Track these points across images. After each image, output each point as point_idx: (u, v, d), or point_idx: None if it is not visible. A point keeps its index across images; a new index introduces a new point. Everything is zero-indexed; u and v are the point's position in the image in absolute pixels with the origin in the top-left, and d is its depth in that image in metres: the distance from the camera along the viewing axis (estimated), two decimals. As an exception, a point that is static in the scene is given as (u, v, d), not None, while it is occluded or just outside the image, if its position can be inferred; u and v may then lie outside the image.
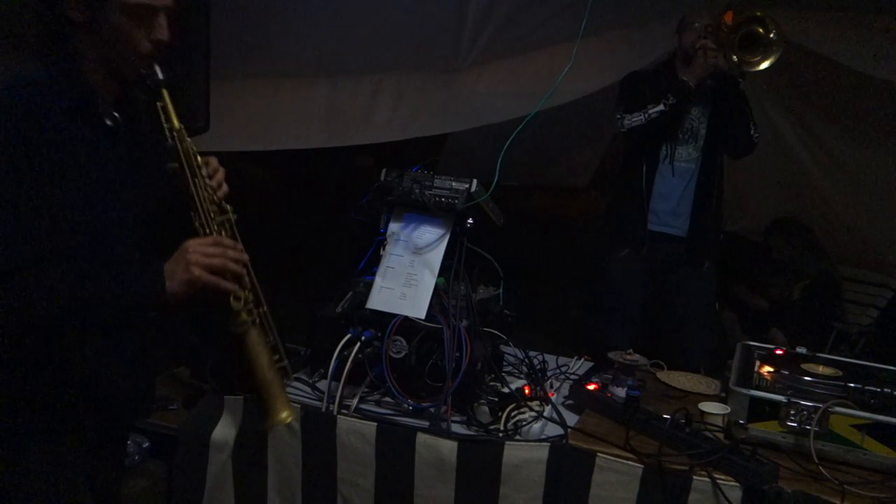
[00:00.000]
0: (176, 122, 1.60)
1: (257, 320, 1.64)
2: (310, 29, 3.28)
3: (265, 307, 1.67)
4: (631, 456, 1.88)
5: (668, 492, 1.82)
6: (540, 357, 2.45)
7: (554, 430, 2.00)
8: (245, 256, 1.63)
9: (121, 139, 1.61)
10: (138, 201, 1.65)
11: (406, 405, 2.04)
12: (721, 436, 1.98)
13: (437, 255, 2.15)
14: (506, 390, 2.10)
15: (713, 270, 3.36)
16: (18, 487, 1.55)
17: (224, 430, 2.11)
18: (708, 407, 2.07)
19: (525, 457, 1.92)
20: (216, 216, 1.63)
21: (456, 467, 1.95)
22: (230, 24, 2.86)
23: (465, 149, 4.64)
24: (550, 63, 3.49)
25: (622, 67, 3.50)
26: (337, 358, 2.05)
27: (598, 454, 1.90)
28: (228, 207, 1.67)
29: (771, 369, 2.20)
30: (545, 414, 2.05)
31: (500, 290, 2.37)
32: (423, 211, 2.18)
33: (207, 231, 1.61)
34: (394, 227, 2.22)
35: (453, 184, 2.14)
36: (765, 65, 2.96)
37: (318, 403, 2.07)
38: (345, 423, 2.02)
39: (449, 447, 1.95)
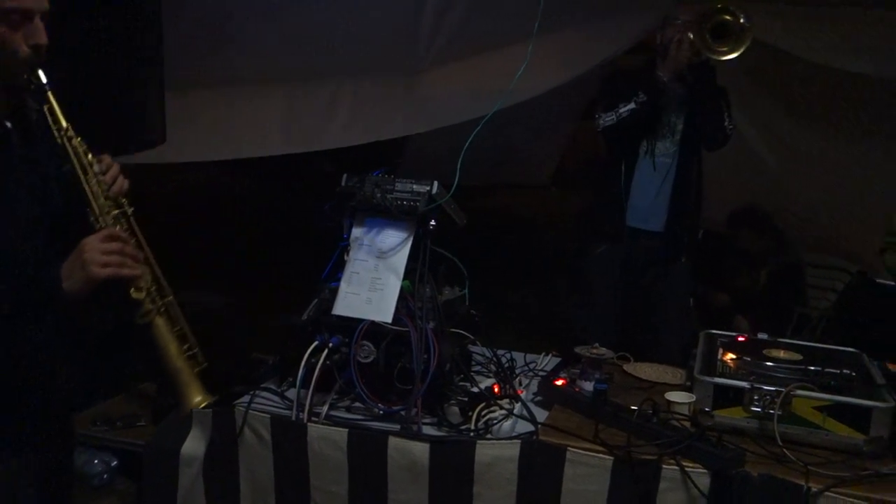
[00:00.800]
0: (63, 122, 1.63)
1: (162, 309, 1.67)
2: (264, 36, 3.27)
3: (170, 297, 1.70)
4: (601, 449, 1.90)
5: (639, 482, 1.85)
6: (508, 355, 2.46)
7: (524, 426, 2.02)
8: (140, 253, 1.65)
9: (14, 145, 1.61)
10: (35, 205, 1.66)
11: (376, 410, 2.04)
12: (688, 424, 2.01)
13: (401, 259, 2.15)
14: (475, 390, 2.11)
15: (688, 266, 3.41)
16: None
17: (193, 444, 2.09)
18: (674, 396, 2.10)
19: (497, 455, 1.93)
20: (111, 210, 1.66)
21: (429, 469, 1.95)
22: (183, 35, 2.83)
23: (427, 151, 4.64)
24: (507, 62, 3.49)
25: (578, 64, 3.54)
26: (305, 366, 2.03)
27: (569, 448, 1.91)
28: (124, 201, 1.71)
29: (734, 356, 2.24)
30: (515, 411, 2.07)
31: (466, 290, 2.38)
32: (385, 215, 2.18)
33: (102, 225, 1.65)
34: (357, 232, 2.22)
35: (414, 186, 2.14)
36: (735, 54, 2.99)
37: (287, 412, 2.06)
38: (315, 430, 2.02)
39: (421, 449, 1.95)
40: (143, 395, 2.38)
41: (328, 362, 2.04)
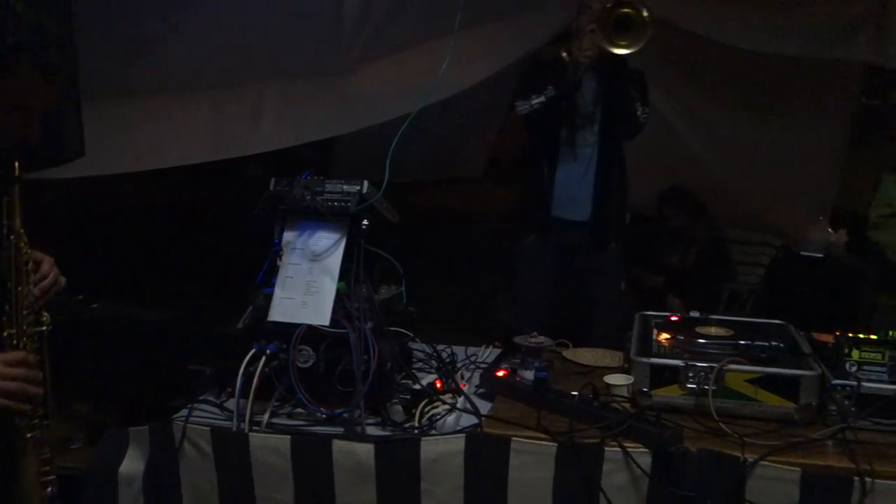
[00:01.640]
0: (17, 222, 1.56)
1: (37, 434, 1.61)
2: (184, 42, 3.19)
3: (48, 420, 1.64)
4: (544, 436, 1.92)
5: (583, 465, 1.88)
6: (448, 350, 2.47)
7: (468, 420, 2.03)
8: (40, 375, 1.59)
9: None
10: None
11: (319, 414, 2.03)
12: (628, 405, 2.05)
13: (335, 260, 2.13)
14: (417, 387, 2.11)
15: (618, 252, 3.47)
16: None
17: (132, 463, 2.04)
18: (612, 379, 2.14)
19: (442, 450, 1.94)
20: (30, 327, 1.59)
21: (375, 470, 1.94)
22: (99, 43, 2.75)
23: (357, 150, 4.61)
24: (432, 57, 3.50)
25: (503, 56, 3.56)
26: (243, 375, 2.00)
27: (513, 438, 1.93)
28: (45, 318, 1.63)
29: (668, 336, 2.29)
30: (458, 405, 2.07)
31: (403, 288, 2.38)
32: (316, 217, 2.16)
33: (16, 343, 1.57)
34: (288, 235, 2.19)
35: (344, 187, 2.13)
36: (632, 49, 3.04)
37: (228, 423, 2.03)
38: (257, 439, 1.99)
39: (366, 450, 1.94)
40: (76, 416, 2.30)
41: (267, 370, 2.01)
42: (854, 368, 2.01)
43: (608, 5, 3.02)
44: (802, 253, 5.09)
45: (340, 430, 1.99)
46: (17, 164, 1.55)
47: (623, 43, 3.02)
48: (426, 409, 2.04)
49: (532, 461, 1.92)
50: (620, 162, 3.40)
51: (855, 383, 1.96)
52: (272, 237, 2.21)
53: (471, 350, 2.57)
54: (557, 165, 3.30)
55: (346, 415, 1.99)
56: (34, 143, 1.57)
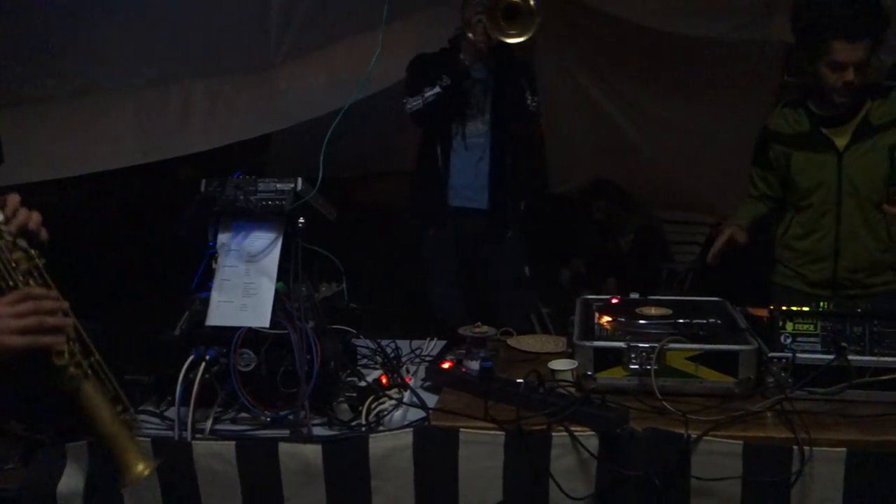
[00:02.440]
0: None
1: (89, 372, 1.52)
2: (105, 41, 3.10)
3: (97, 355, 1.55)
4: (492, 425, 1.92)
5: (532, 452, 1.88)
6: (393, 344, 2.46)
7: (416, 413, 2.01)
8: (64, 304, 1.50)
9: None
10: None
11: (263, 417, 1.99)
12: (573, 390, 2.07)
13: (272, 260, 2.09)
14: (363, 384, 2.09)
15: (518, 238, 3.50)
16: None
17: (71, 481, 1.95)
18: (557, 364, 2.16)
19: (390, 446, 1.93)
20: (20, 265, 1.49)
21: (323, 470, 1.92)
22: (18, 47, 2.65)
23: (292, 147, 4.55)
24: (362, 51, 3.48)
25: (434, 47, 3.54)
26: (182, 382, 1.95)
27: (461, 429, 1.93)
28: (34, 253, 1.53)
29: (609, 318, 2.32)
30: (405, 400, 2.06)
31: (343, 285, 2.35)
32: (251, 217, 2.12)
33: (12, 284, 1.47)
34: (223, 237, 2.14)
35: (278, 185, 2.09)
36: (523, 37, 3.06)
37: (169, 433, 1.97)
38: (201, 447, 1.94)
39: (313, 451, 1.92)
40: (8, 436, 2.21)
41: (207, 376, 1.96)
42: (789, 341, 2.07)
43: None
44: (735, 229, 5.20)
45: (286, 432, 1.96)
46: None
47: (513, 32, 3.04)
48: (373, 406, 2.02)
49: (481, 451, 1.92)
50: (513, 151, 3.44)
51: (790, 355, 2.02)
52: (206, 240, 2.16)
53: (415, 344, 2.55)
54: (451, 156, 3.33)
55: (291, 416, 1.96)
56: None
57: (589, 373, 2.07)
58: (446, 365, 2.23)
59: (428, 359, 2.39)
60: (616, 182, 4.95)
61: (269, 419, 1.98)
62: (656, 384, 1.98)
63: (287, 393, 1.97)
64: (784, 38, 4.03)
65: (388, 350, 2.38)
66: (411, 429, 1.94)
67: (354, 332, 2.31)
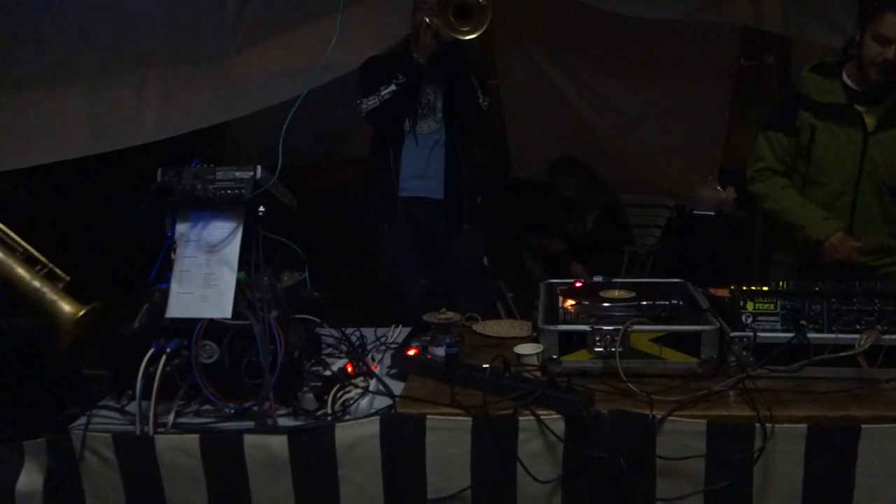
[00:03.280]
0: None
1: None
2: (56, 28, 3.01)
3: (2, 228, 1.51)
4: (458, 411, 1.92)
5: (499, 437, 1.89)
6: (357, 333, 2.44)
7: (382, 401, 2.01)
8: None
9: None
10: None
11: (227, 409, 1.96)
12: (538, 374, 2.07)
13: (232, 250, 2.05)
14: (328, 373, 2.07)
15: (476, 231, 3.53)
16: None
17: (29, 479, 1.92)
18: (522, 349, 2.16)
19: (357, 434, 1.92)
20: None
21: (290, 461, 1.90)
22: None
23: (250, 135, 4.49)
24: (319, 37, 3.42)
25: (393, 33, 3.51)
26: (143, 376, 1.91)
27: (428, 416, 1.92)
28: None
29: (573, 302, 2.33)
30: (371, 388, 2.05)
31: (306, 274, 2.33)
32: (210, 207, 2.08)
33: None
34: (181, 228, 2.10)
35: (237, 173, 2.04)
36: (476, 34, 3.06)
37: (131, 427, 1.93)
38: (163, 441, 1.91)
39: (279, 442, 1.90)
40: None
41: (168, 369, 1.92)
42: (750, 320, 2.09)
43: None
44: (695, 212, 5.29)
45: (251, 424, 1.93)
46: None
47: (466, 29, 3.04)
48: (338, 395, 2.00)
49: (448, 437, 1.92)
50: (466, 148, 3.46)
51: (751, 334, 2.05)
52: (164, 231, 2.12)
53: (381, 331, 2.54)
54: (402, 151, 3.34)
55: (255, 408, 1.93)
56: None
57: (554, 356, 2.08)
58: (412, 352, 2.22)
59: (393, 346, 2.38)
60: (583, 160, 4.97)
61: (233, 411, 1.96)
62: (621, 366, 2.00)
63: (251, 384, 1.94)
64: (742, 21, 4.08)
65: (353, 338, 2.37)
66: (378, 417, 1.94)
67: (318, 320, 2.29)
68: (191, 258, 2.06)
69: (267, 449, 1.90)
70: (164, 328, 2.00)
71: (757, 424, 1.83)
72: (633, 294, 2.32)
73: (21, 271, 1.46)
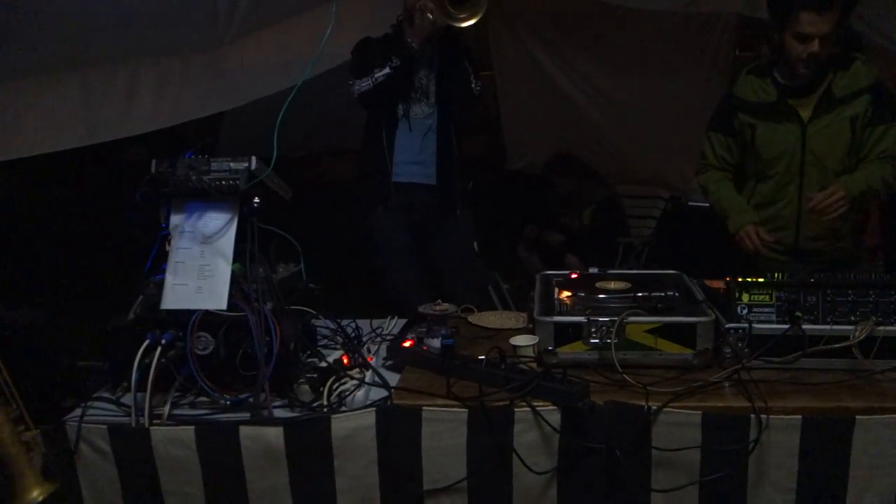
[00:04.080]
0: None
1: None
2: (49, 20, 2.99)
3: (4, 373, 1.51)
4: (454, 403, 1.92)
5: (494, 428, 1.89)
6: (353, 324, 2.44)
7: (378, 393, 2.01)
8: None
9: None
10: None
11: (223, 401, 1.96)
12: (534, 365, 2.08)
13: (227, 241, 2.05)
14: (324, 364, 2.07)
15: (468, 216, 3.54)
16: None
17: (24, 471, 1.92)
18: (518, 340, 2.16)
19: (353, 426, 1.92)
20: None
21: (286, 452, 1.90)
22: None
23: (245, 125, 4.46)
24: (314, 27, 3.41)
25: (386, 23, 3.49)
26: (138, 368, 1.91)
27: (424, 408, 1.92)
28: None
29: (569, 293, 2.33)
30: (367, 379, 2.05)
31: (301, 265, 2.32)
32: (204, 198, 2.07)
33: None
34: (176, 219, 2.09)
35: (232, 164, 2.04)
36: (473, 20, 3.06)
37: (126, 419, 1.94)
38: (159, 433, 1.91)
39: (275, 434, 1.90)
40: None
41: (163, 360, 1.92)
42: (745, 311, 2.10)
43: None
44: (690, 203, 5.29)
45: (247, 415, 1.93)
46: None
47: (462, 16, 3.04)
48: (334, 387, 2.00)
49: (444, 429, 1.92)
50: (458, 132, 3.47)
51: (747, 325, 2.05)
52: (158, 222, 2.11)
53: (376, 322, 2.55)
54: (395, 136, 3.34)
55: (251, 399, 1.93)
56: None
57: (550, 348, 2.08)
58: (407, 343, 2.22)
59: (389, 338, 2.38)
60: (579, 157, 4.97)
61: (228, 402, 1.96)
62: (616, 357, 2.00)
63: (246, 375, 1.95)
64: (738, 11, 4.06)
65: (349, 330, 2.37)
66: (374, 408, 1.94)
67: (314, 312, 2.29)
68: (185, 249, 2.06)
69: (263, 440, 1.90)
70: (159, 320, 2.00)
71: (752, 415, 1.83)
72: (629, 285, 2.32)
73: (5, 432, 1.47)
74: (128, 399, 1.97)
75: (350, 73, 3.27)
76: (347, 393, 1.98)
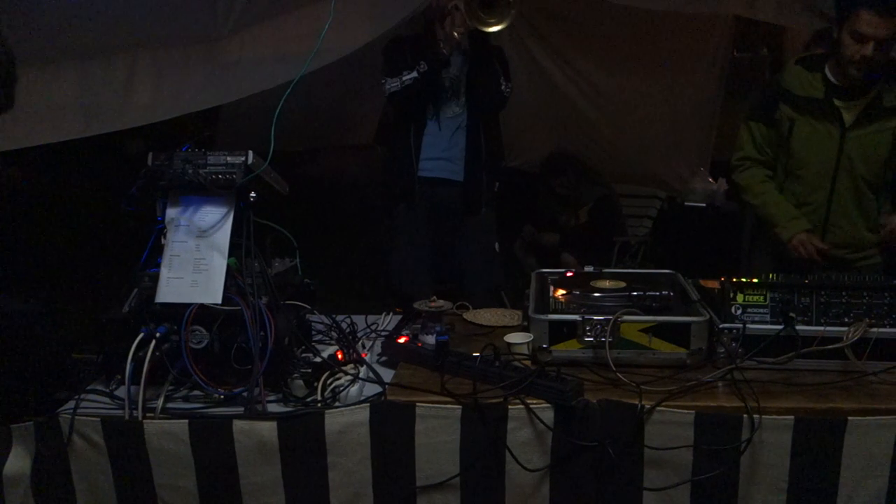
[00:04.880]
0: None
1: None
2: (45, 10, 2.98)
3: None
4: (448, 399, 1.93)
5: (488, 425, 1.89)
6: (348, 320, 2.44)
7: (372, 389, 2.01)
8: None
9: None
10: None
11: (216, 395, 1.96)
12: (528, 363, 2.08)
13: (223, 235, 2.05)
14: (318, 359, 2.07)
15: (491, 215, 3.55)
16: None
17: (17, 462, 1.91)
18: (512, 338, 2.16)
19: (347, 422, 1.92)
20: None
21: (279, 447, 1.90)
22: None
23: (242, 119, 4.45)
24: (313, 21, 3.40)
25: (385, 20, 3.48)
26: (132, 361, 1.91)
27: (418, 404, 1.93)
28: None
29: (564, 292, 2.33)
30: (361, 375, 2.05)
31: (297, 260, 2.32)
32: (200, 191, 2.06)
33: None
34: (172, 212, 2.09)
35: (228, 158, 2.03)
36: (502, 25, 3.08)
37: (119, 412, 1.93)
38: (152, 426, 1.91)
39: (268, 428, 1.90)
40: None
41: (157, 353, 1.92)
42: (739, 311, 2.10)
43: None
44: (686, 203, 5.30)
45: (240, 409, 1.93)
46: None
47: (492, 21, 3.06)
48: (328, 382, 2.00)
49: (437, 425, 1.92)
50: (486, 132, 3.48)
51: (740, 326, 2.06)
52: (154, 215, 2.11)
53: (371, 318, 2.55)
54: (423, 134, 3.36)
55: (245, 394, 1.93)
56: None
57: (544, 346, 2.08)
58: (402, 340, 2.22)
59: (384, 334, 2.38)
60: (577, 156, 4.98)
61: (222, 397, 1.96)
62: (610, 356, 2.00)
63: (241, 370, 1.94)
64: (736, 11, 4.06)
65: (344, 325, 2.37)
66: (367, 404, 1.94)
67: (309, 307, 2.29)
68: (181, 243, 2.06)
69: (256, 435, 1.90)
70: (153, 313, 1.99)
71: (745, 415, 1.84)
72: (624, 284, 2.32)
73: None
74: (121, 392, 1.96)
75: (381, 71, 3.30)
76: (341, 388, 1.98)
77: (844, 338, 1.99)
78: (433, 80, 3.29)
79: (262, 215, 2.09)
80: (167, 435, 1.91)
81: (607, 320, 2.04)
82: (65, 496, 1.95)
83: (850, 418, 1.83)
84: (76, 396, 1.98)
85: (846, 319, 2.06)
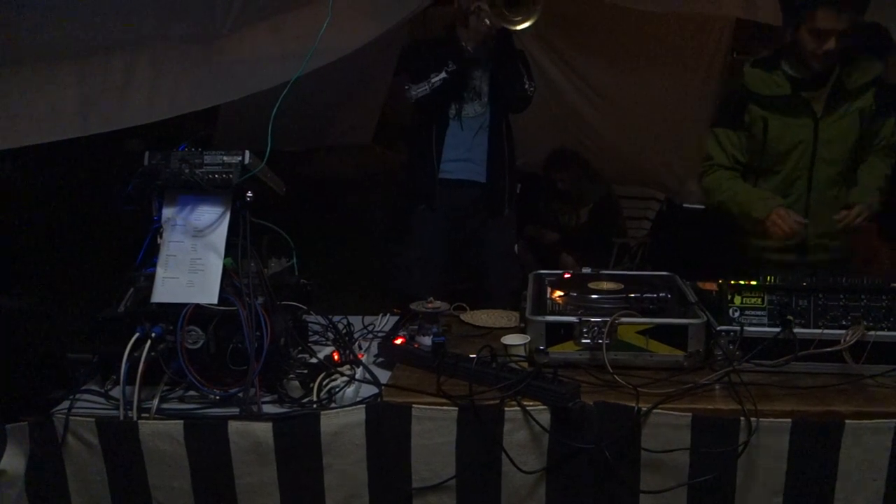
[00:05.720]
0: None
1: None
2: (42, 8, 2.97)
3: None
4: (445, 401, 1.92)
5: (484, 427, 1.89)
6: (345, 320, 2.43)
7: (368, 390, 2.00)
8: None
9: None
10: None
11: (212, 395, 1.95)
12: (525, 364, 2.07)
13: (220, 235, 2.04)
14: (314, 360, 2.06)
15: (513, 216, 3.56)
16: None
17: (12, 462, 1.90)
18: (509, 339, 2.16)
19: (343, 423, 1.91)
20: None
21: (274, 448, 1.90)
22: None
23: (241, 118, 4.45)
24: (311, 20, 3.40)
25: (384, 20, 3.48)
26: (127, 360, 1.90)
27: (414, 406, 1.92)
28: None
29: (561, 293, 2.33)
30: (357, 376, 2.04)
31: (294, 260, 2.32)
32: (197, 191, 2.06)
33: None
34: (168, 212, 2.08)
35: (225, 158, 2.03)
36: (528, 23, 3.08)
37: (114, 412, 1.92)
38: (147, 427, 1.90)
39: (264, 429, 1.89)
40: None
41: (153, 354, 1.91)
42: (737, 314, 2.10)
43: None
44: (685, 205, 5.30)
45: (236, 410, 1.92)
46: None
47: (517, 18, 3.07)
48: (324, 383, 1.99)
49: (434, 426, 1.91)
50: (509, 131, 3.48)
51: (738, 328, 2.05)
52: (150, 215, 2.10)
53: (368, 319, 2.54)
54: (445, 135, 3.35)
55: (240, 394, 1.92)
56: None
57: (541, 347, 2.08)
58: (399, 341, 2.21)
59: (380, 335, 2.37)
60: (577, 152, 4.98)
61: (217, 397, 1.95)
62: (607, 358, 2.00)
63: (236, 370, 1.94)
64: (735, 13, 4.06)
65: (340, 326, 2.36)
66: (363, 405, 1.93)
67: (305, 308, 2.28)
68: (177, 242, 2.05)
69: (251, 436, 1.89)
70: (149, 313, 1.98)
71: (742, 418, 1.83)
72: (621, 286, 2.32)
73: None
74: (116, 392, 1.95)
75: (403, 78, 3.35)
76: (337, 389, 1.97)
77: (842, 341, 1.99)
78: (460, 81, 3.28)
79: (258, 215, 2.08)
80: (162, 435, 1.90)
81: (604, 322, 2.04)
82: (59, 496, 1.94)
83: (847, 421, 1.83)
84: (71, 396, 1.97)
85: (844, 322, 2.05)
